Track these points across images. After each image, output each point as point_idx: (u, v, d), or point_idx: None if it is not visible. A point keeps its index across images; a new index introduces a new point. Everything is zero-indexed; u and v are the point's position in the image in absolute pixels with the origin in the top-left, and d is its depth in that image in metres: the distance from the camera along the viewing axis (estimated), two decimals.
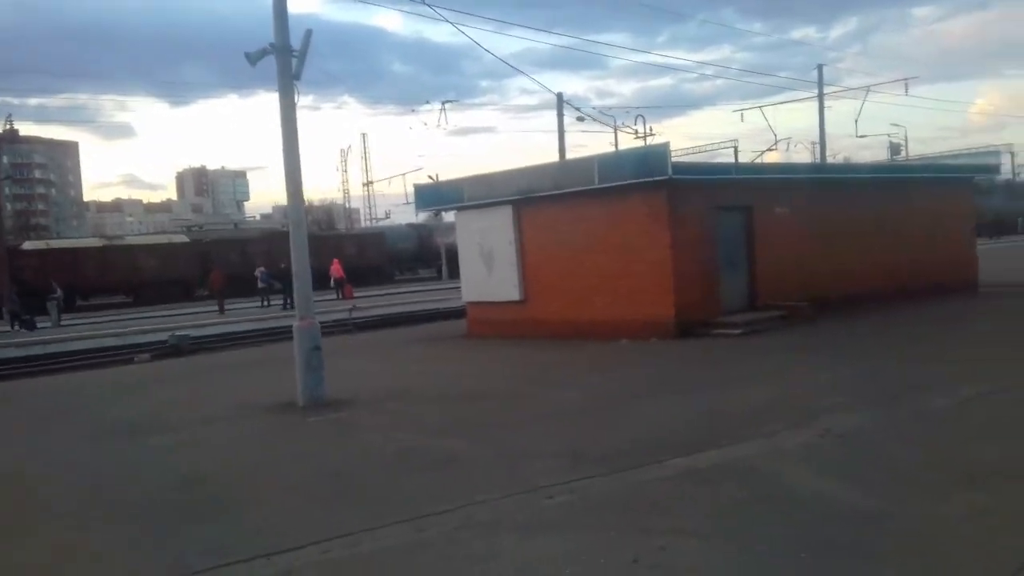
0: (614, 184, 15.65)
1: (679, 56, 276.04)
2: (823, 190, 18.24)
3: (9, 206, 74.20)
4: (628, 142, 40.63)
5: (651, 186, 15.08)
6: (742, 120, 68.99)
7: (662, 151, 15.26)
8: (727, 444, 7.44)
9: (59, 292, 31.31)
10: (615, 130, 39.76)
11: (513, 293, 17.98)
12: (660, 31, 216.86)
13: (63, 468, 8.71)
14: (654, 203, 15.36)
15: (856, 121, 40.60)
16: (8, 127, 43.26)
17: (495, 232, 18.29)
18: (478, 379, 12.95)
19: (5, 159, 50.61)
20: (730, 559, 4.81)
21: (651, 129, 40.96)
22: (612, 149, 38.51)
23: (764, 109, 38.68)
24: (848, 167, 27.32)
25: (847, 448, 7.23)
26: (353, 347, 18.49)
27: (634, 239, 15.69)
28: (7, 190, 56.23)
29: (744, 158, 35.06)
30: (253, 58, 11.52)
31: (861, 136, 49.64)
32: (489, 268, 18.56)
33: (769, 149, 38.37)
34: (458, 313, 22.36)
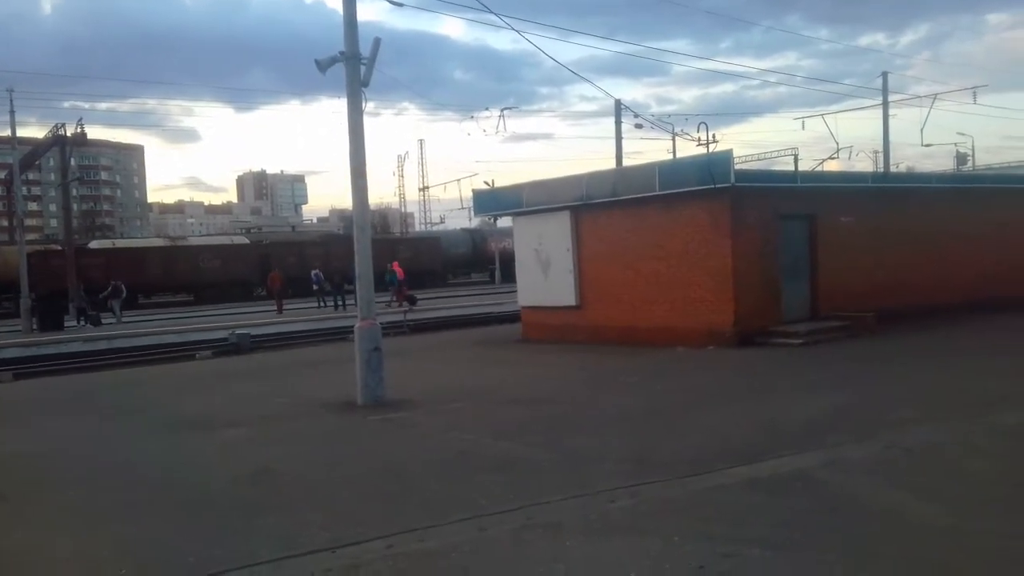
0: (675, 191, 15.58)
1: (742, 63, 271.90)
2: (888, 199, 17.89)
3: (76, 206, 76.28)
4: (686, 149, 40.35)
5: (713, 193, 14.96)
6: (803, 128, 68.25)
7: (725, 158, 15.12)
8: (789, 454, 7.34)
9: (123, 290, 32.13)
10: (673, 137, 39.50)
11: (569, 298, 17.98)
12: (723, 38, 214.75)
13: (135, 459, 8.94)
14: (716, 211, 15.24)
15: (921, 130, 39.74)
16: (78, 130, 44.66)
17: (552, 237, 18.33)
18: (535, 383, 12.98)
19: (73, 161, 52.04)
20: (797, 569, 4.75)
21: (714, 136, 40.39)
22: (670, 156, 38.22)
23: (826, 117, 37.93)
24: (916, 176, 26.75)
25: (915, 461, 7.08)
26: (409, 349, 18.65)
27: (694, 247, 15.58)
28: (74, 191, 57.75)
29: (804, 166, 34.48)
30: (323, 65, 11.72)
31: (926, 145, 48.43)
32: (546, 273, 18.59)
33: (830, 157, 37.68)
34: (512, 317, 22.43)
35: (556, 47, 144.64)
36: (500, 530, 5.63)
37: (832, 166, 36.34)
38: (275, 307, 33.55)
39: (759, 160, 41.05)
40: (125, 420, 11.66)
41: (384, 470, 7.73)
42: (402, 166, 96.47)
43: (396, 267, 36.77)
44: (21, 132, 34.55)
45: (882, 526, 5.40)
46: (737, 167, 15.43)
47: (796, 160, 36.11)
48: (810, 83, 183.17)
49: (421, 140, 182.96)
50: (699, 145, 38.24)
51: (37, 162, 53.50)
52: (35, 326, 29.12)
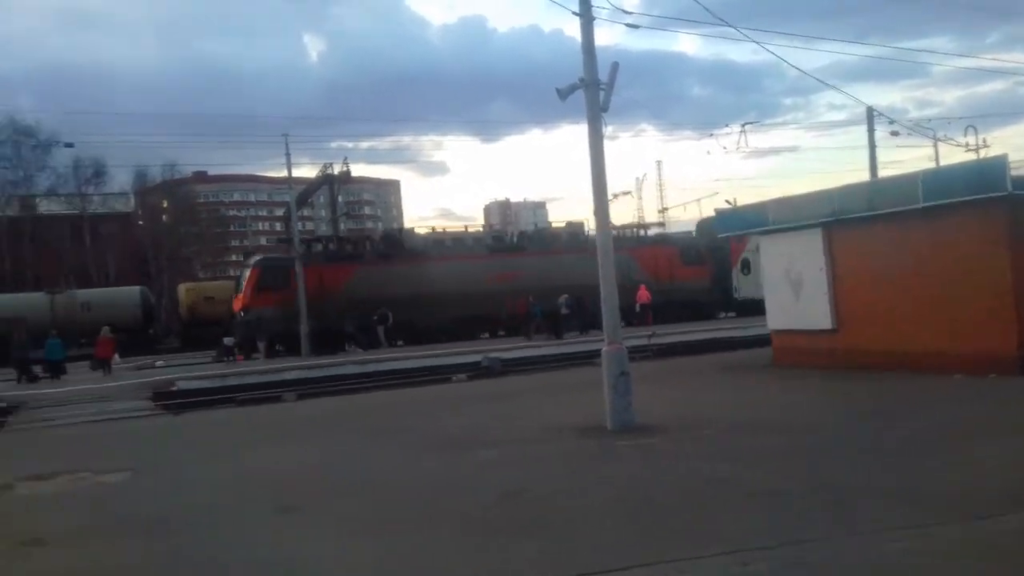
0: (941, 202, 14.38)
1: (1013, 59, 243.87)
2: None
3: None
4: (952, 156, 37.14)
5: (986, 203, 13.63)
6: None
7: (1000, 164, 13.75)
8: None
9: (389, 316, 34.51)
10: (935, 143, 36.42)
11: (824, 321, 17.08)
12: (989, 32, 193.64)
13: (400, 476, 9.59)
14: (990, 222, 13.87)
15: None
16: (344, 169, 49.00)
17: (803, 256, 17.54)
18: (789, 410, 12.44)
19: (340, 197, 57.08)
20: None
21: (984, 141, 36.76)
22: (932, 164, 35.27)
23: None
24: None
25: None
26: (655, 374, 18.55)
27: (966, 262, 14.26)
28: (342, 225, 63.27)
29: None
30: (563, 93, 12.08)
31: None
32: (797, 294, 17.81)
33: None
34: (760, 341, 21.65)
35: (800, 55, 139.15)
36: (762, 566, 5.45)
37: None
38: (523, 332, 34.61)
39: None
40: (389, 439, 12.52)
41: (637, 496, 7.74)
42: (640, 188, 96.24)
43: (643, 290, 36.69)
44: (295, 172, 38.52)
45: None
46: (1014, 173, 13.96)
47: None
48: None
49: (659, 161, 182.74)
50: (967, 151, 34.99)
51: (310, 199, 59.10)
52: (313, 351, 32.14)
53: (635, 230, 44.06)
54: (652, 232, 44.80)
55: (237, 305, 35.10)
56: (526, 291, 34.82)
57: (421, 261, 36.00)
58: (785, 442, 9.80)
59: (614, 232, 41.51)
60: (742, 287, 40.61)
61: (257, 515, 8.16)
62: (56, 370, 28.48)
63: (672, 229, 55.57)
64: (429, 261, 36.07)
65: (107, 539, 7.53)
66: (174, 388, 23.74)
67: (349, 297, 33.91)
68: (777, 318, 18.68)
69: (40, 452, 13.73)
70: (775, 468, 8.41)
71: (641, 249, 40.08)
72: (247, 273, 35.58)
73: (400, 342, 34.85)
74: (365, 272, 35.19)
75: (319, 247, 37.96)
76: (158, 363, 34.74)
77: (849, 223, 16.39)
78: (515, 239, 41.75)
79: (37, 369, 28.44)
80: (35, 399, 22.06)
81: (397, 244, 38.15)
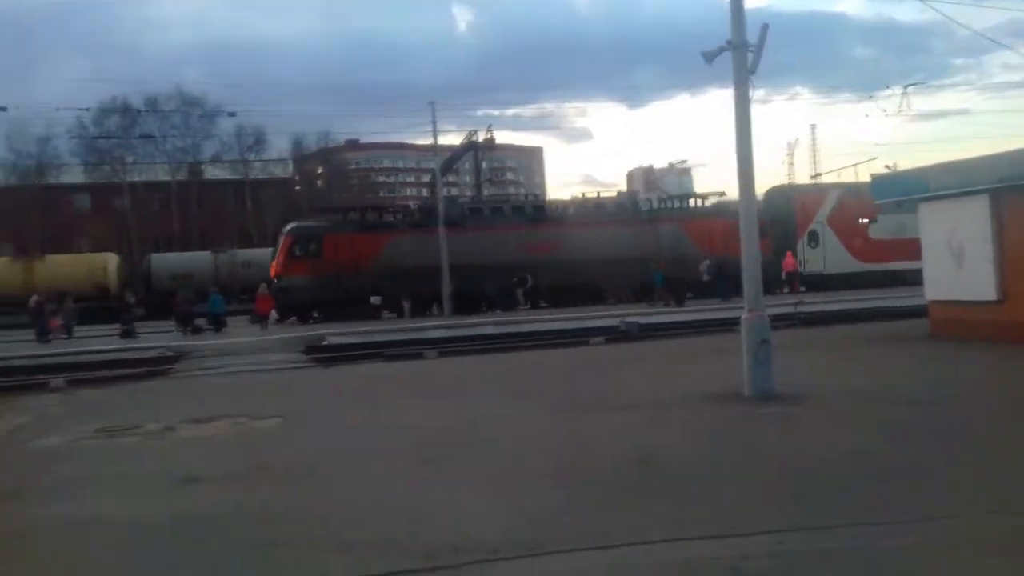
0: None
1: None
2: None
3: None
4: None
5: None
6: None
7: None
8: None
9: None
10: None
11: (988, 292, 16.00)
12: None
13: (534, 435, 9.71)
14: None
15: None
16: (488, 136, 49.51)
17: (966, 224, 16.47)
18: (941, 384, 11.75)
19: (484, 164, 57.79)
20: None
21: None
22: None
23: None
24: None
25: None
26: (800, 343, 17.90)
27: None
28: (485, 191, 64.35)
29: None
30: (709, 57, 11.81)
31: None
32: (958, 264, 16.76)
33: None
34: (914, 312, 20.52)
35: (971, 13, 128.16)
36: (903, 540, 5.23)
37: None
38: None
39: None
40: (527, 398, 12.65)
41: (773, 465, 7.55)
42: (792, 153, 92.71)
43: (790, 258, 35.43)
44: (442, 140, 39.30)
45: None
46: None
47: None
48: None
49: (812, 125, 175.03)
50: None
51: (455, 166, 60.23)
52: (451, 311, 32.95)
53: (687, 200, 39.38)
54: (710, 202, 40.30)
55: (272, 272, 34.70)
56: (561, 262, 33.70)
57: (454, 232, 35.33)
58: (933, 416, 9.30)
59: (666, 203, 38.99)
60: (809, 261, 37.69)
61: (397, 465, 8.47)
62: (218, 323, 30.40)
63: None
64: (462, 232, 34.88)
65: (257, 481, 8.01)
66: (325, 342, 24.89)
67: (385, 266, 33.28)
68: (935, 288, 17.69)
69: (201, 398, 14.75)
70: (920, 443, 8.01)
71: (692, 220, 36.50)
72: (281, 241, 34.93)
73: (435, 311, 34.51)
74: (399, 242, 34.27)
75: (356, 216, 36.73)
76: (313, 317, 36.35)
77: (1020, 190, 15.24)
78: (557, 209, 39.50)
79: (201, 322, 30.46)
80: (198, 350, 23.68)
81: (432, 214, 37.61)
